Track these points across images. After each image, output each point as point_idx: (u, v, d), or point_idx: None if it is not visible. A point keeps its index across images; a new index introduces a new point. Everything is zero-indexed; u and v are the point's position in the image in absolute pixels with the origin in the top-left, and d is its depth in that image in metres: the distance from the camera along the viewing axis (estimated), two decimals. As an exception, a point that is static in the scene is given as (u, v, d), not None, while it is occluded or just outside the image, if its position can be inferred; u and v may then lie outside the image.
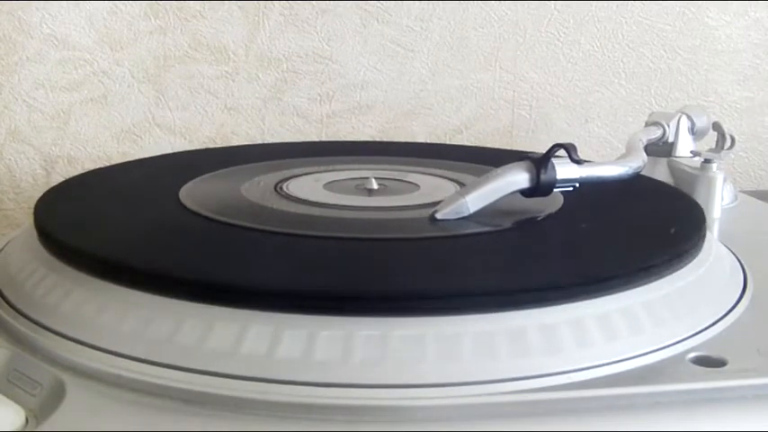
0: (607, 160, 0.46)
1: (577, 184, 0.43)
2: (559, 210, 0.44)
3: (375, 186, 0.48)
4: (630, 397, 0.30)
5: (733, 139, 0.56)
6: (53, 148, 0.74)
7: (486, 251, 0.39)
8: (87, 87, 0.73)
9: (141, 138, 0.75)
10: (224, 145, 0.75)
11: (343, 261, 0.37)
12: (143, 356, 0.31)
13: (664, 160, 0.59)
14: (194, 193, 0.47)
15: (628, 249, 0.39)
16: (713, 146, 0.58)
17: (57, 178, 0.72)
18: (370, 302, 0.32)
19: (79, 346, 0.32)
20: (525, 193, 0.43)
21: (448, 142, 0.79)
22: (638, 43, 0.79)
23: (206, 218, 0.42)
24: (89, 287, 0.35)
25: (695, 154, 0.57)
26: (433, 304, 0.32)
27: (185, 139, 0.76)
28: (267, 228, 0.40)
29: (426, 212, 0.43)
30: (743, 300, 0.38)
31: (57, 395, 0.30)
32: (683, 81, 0.80)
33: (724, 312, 0.37)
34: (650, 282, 0.36)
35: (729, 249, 0.44)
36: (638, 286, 0.35)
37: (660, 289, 0.36)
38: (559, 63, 0.79)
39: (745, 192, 0.62)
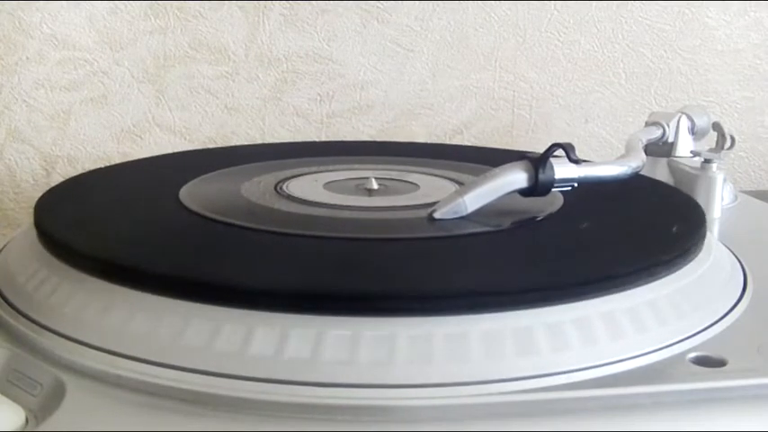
0: (606, 160, 0.46)
1: (576, 184, 0.43)
2: (559, 210, 0.44)
3: (375, 186, 0.48)
4: (631, 397, 0.30)
5: (733, 139, 0.56)
6: (53, 148, 0.74)
7: (488, 251, 0.39)
8: (87, 87, 0.73)
9: (141, 138, 0.75)
10: (224, 145, 0.75)
11: (345, 261, 0.37)
12: (144, 357, 0.31)
13: (664, 160, 0.59)
14: (194, 193, 0.47)
15: (627, 249, 0.39)
16: (713, 146, 0.58)
17: (57, 178, 0.72)
18: (377, 303, 0.32)
19: (79, 346, 0.32)
20: (524, 192, 0.43)
21: (448, 142, 0.79)
22: (638, 43, 0.79)
23: (206, 218, 0.42)
24: (90, 287, 0.35)
25: (695, 154, 0.57)
26: (440, 304, 0.32)
27: (185, 139, 0.76)
28: (267, 228, 0.40)
29: (426, 212, 0.43)
30: (743, 300, 0.38)
31: (57, 395, 0.30)
32: (683, 81, 0.80)
33: (724, 312, 0.37)
34: (650, 282, 0.36)
35: (729, 249, 0.44)
36: (638, 286, 0.35)
37: (660, 289, 0.36)
38: (559, 63, 0.79)
39: (745, 192, 0.62)
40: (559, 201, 0.45)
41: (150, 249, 0.38)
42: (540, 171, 0.42)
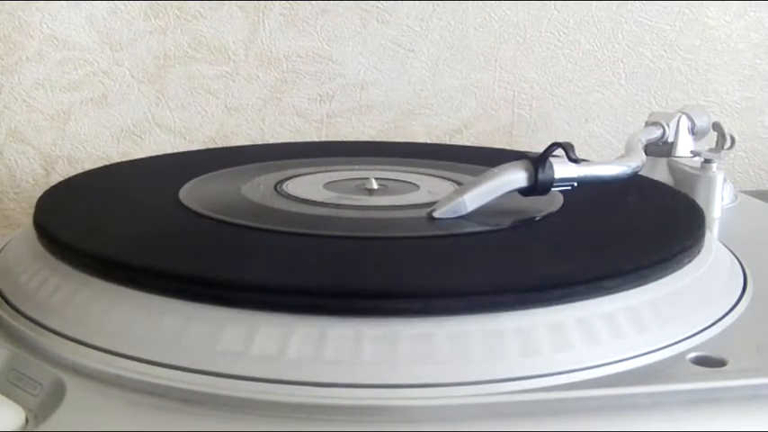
0: (606, 160, 0.46)
1: (575, 184, 0.43)
2: (559, 209, 0.44)
3: (375, 186, 0.48)
4: (631, 397, 0.30)
5: (733, 139, 0.56)
6: (53, 148, 0.74)
7: (488, 250, 0.39)
8: (87, 87, 0.73)
9: (141, 138, 0.75)
10: (224, 145, 0.75)
11: (345, 261, 0.37)
12: (144, 357, 0.31)
13: (664, 160, 0.59)
14: (194, 193, 0.47)
15: (627, 249, 0.39)
16: (713, 146, 0.58)
17: (57, 178, 0.72)
18: (378, 303, 0.32)
19: (79, 346, 0.32)
20: (523, 192, 0.43)
21: (448, 142, 0.79)
22: (637, 43, 0.79)
23: (206, 218, 0.42)
24: (90, 287, 0.35)
25: (695, 154, 0.57)
26: (440, 304, 0.32)
27: (185, 139, 0.76)
28: (267, 227, 0.40)
29: (426, 212, 0.42)
30: (743, 300, 0.38)
31: (57, 395, 0.30)
32: (683, 81, 0.80)
33: (724, 312, 0.37)
34: (650, 282, 0.36)
35: (729, 249, 0.44)
36: (638, 286, 0.35)
37: (660, 289, 0.36)
38: (559, 63, 0.79)
39: (745, 192, 0.62)
40: (559, 200, 0.45)
41: (150, 249, 0.38)
42: (540, 170, 0.42)
